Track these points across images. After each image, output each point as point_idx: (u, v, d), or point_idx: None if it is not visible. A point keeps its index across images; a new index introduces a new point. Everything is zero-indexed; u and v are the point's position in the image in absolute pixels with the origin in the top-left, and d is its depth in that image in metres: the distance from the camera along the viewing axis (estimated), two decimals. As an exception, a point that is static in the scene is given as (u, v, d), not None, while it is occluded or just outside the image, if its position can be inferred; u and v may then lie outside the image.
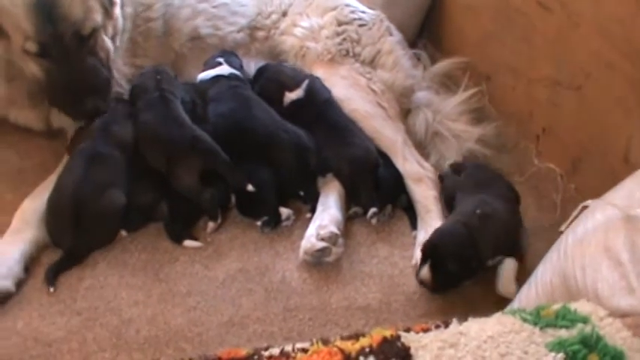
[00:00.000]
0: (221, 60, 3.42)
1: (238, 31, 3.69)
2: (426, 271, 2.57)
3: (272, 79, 3.39)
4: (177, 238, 2.84)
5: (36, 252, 2.75)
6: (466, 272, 2.58)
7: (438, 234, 2.65)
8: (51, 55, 3.00)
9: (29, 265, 2.71)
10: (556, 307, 1.67)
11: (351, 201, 3.01)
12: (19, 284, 2.63)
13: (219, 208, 2.94)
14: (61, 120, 3.30)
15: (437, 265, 2.56)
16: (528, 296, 2.15)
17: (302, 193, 3.02)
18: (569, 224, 2.18)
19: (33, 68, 3.07)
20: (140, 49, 3.51)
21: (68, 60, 3.02)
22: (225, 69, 3.35)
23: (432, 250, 2.59)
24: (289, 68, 3.47)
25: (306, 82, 3.31)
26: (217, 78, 3.31)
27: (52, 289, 2.61)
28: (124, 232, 2.85)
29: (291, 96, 3.29)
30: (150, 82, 3.18)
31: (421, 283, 2.61)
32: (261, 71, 3.49)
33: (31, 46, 2.97)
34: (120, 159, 2.96)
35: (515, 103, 3.44)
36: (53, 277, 2.65)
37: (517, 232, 2.76)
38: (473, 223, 2.60)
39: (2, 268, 2.60)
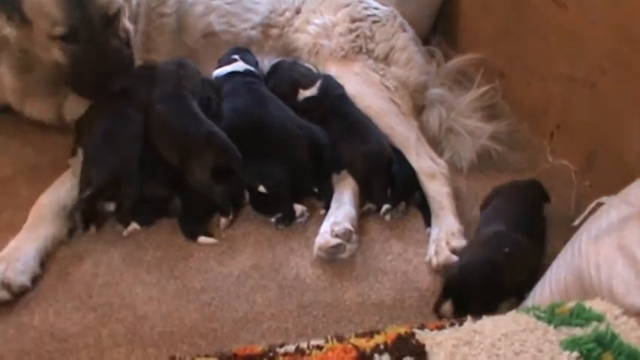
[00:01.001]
0: (236, 57, 3.43)
1: (252, 28, 3.70)
2: (448, 307, 2.46)
3: (286, 77, 3.40)
4: (191, 234, 2.84)
5: (52, 248, 2.77)
6: (486, 308, 2.48)
7: (464, 270, 2.54)
8: (78, 38, 3.04)
9: (45, 260, 2.72)
10: (570, 305, 1.67)
11: (365, 197, 3.02)
12: (35, 280, 2.64)
13: (232, 204, 2.95)
14: (73, 112, 3.33)
15: (460, 303, 2.44)
16: (542, 294, 2.14)
17: (316, 190, 3.02)
18: (583, 219, 2.18)
19: (56, 54, 3.10)
20: (154, 44, 3.53)
21: (96, 42, 3.08)
22: (240, 65, 3.37)
23: (455, 288, 2.49)
24: (303, 66, 3.48)
25: (320, 81, 3.32)
26: (232, 74, 3.33)
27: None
28: (137, 226, 2.86)
29: (305, 93, 3.30)
30: (171, 74, 3.22)
31: (440, 316, 2.48)
32: (275, 68, 3.51)
33: (60, 31, 3.01)
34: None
35: (529, 99, 3.43)
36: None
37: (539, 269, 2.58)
38: (500, 261, 2.49)
39: (18, 263, 2.62)
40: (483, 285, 2.45)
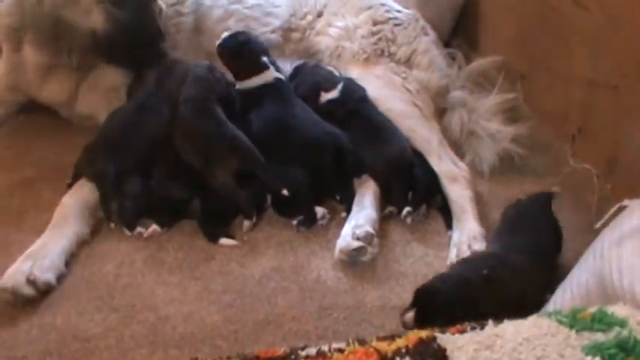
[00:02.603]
0: (266, 61, 3.38)
1: (272, 32, 3.71)
2: (410, 317, 2.34)
3: (308, 79, 3.41)
4: (212, 236, 2.86)
5: (76, 247, 2.80)
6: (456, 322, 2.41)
7: (435, 283, 2.45)
8: (127, 2, 3.15)
9: (69, 260, 2.75)
10: (592, 310, 1.66)
11: (386, 200, 3.02)
12: (60, 278, 2.67)
13: (255, 207, 2.96)
14: (86, 99, 3.43)
15: (422, 315, 2.34)
16: (564, 298, 2.13)
17: (338, 198, 3.04)
18: (605, 223, 2.17)
19: (96, 20, 3.18)
20: (172, 41, 3.55)
21: (140, 8, 3.20)
22: (271, 75, 3.32)
23: (421, 298, 2.39)
24: (325, 69, 3.49)
25: (341, 84, 3.32)
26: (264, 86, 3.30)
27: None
28: (157, 228, 2.88)
29: (327, 96, 3.31)
30: (200, 78, 3.24)
31: (404, 325, 2.36)
32: (297, 71, 3.51)
33: None
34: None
35: (550, 102, 3.42)
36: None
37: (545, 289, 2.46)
38: (477, 283, 2.39)
39: (45, 261, 2.65)
40: (450, 301, 2.34)
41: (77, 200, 2.90)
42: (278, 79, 3.30)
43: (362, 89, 3.34)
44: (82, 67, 3.37)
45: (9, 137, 3.57)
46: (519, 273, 2.46)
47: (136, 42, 3.24)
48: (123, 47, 3.24)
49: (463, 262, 2.63)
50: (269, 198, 2.98)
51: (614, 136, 2.96)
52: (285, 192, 2.90)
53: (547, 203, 2.79)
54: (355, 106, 3.27)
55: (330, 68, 3.52)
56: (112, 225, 2.91)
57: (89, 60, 3.35)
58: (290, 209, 2.94)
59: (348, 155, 3.06)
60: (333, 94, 3.31)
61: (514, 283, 2.44)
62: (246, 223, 2.92)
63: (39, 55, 3.36)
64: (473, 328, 1.65)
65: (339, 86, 3.32)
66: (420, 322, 2.33)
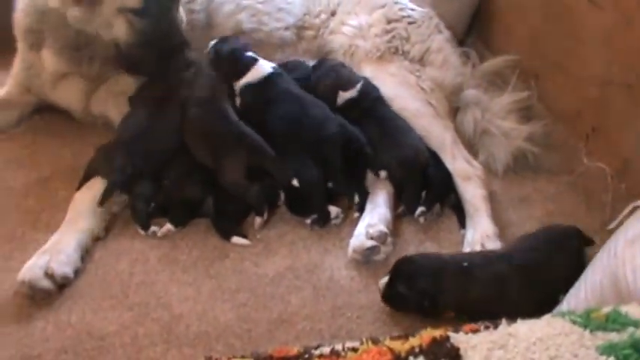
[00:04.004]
0: (252, 55, 3.40)
1: (285, 29, 3.72)
2: (382, 283, 2.52)
3: (328, 76, 3.40)
4: (225, 234, 2.87)
5: (90, 242, 2.83)
6: (417, 305, 2.46)
7: (416, 255, 2.60)
8: (149, 12, 3.16)
9: (84, 256, 2.77)
10: (606, 309, 1.66)
11: (400, 199, 3.02)
12: (77, 273, 2.69)
13: (267, 204, 2.97)
14: (100, 104, 3.43)
15: (392, 281, 2.50)
16: (578, 297, 2.13)
17: (357, 200, 3.02)
18: (619, 223, 2.16)
19: (120, 31, 3.20)
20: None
21: (164, 16, 3.23)
22: (265, 65, 3.34)
23: (396, 266, 2.53)
24: (347, 69, 3.47)
25: (360, 84, 3.32)
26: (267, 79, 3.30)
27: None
28: (171, 227, 2.89)
29: (345, 95, 3.31)
30: (209, 78, 3.29)
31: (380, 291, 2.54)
32: (320, 64, 3.53)
33: (133, 3, 3.13)
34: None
35: (564, 101, 3.41)
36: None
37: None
38: (451, 270, 2.47)
39: (62, 255, 2.67)
40: (418, 274, 2.46)
41: (90, 195, 2.91)
42: (274, 72, 3.33)
43: (377, 89, 3.34)
44: (101, 77, 3.39)
45: (24, 137, 3.58)
46: (494, 282, 2.45)
47: (160, 52, 3.26)
48: (148, 57, 3.25)
49: (461, 255, 2.67)
50: (282, 195, 2.99)
51: (628, 135, 2.96)
52: (295, 182, 2.91)
53: (575, 239, 2.63)
54: (371, 105, 3.27)
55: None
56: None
57: (109, 69, 3.37)
58: (304, 208, 2.95)
59: (364, 150, 3.06)
60: (352, 94, 3.31)
61: (482, 288, 2.44)
62: (258, 220, 2.93)
63: (57, 63, 3.37)
64: (486, 328, 1.64)
65: (358, 85, 3.32)
66: (387, 290, 2.48)
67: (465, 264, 2.48)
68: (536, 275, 2.47)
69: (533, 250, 2.57)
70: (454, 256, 2.59)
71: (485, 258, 2.57)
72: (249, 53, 3.37)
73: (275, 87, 3.26)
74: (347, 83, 3.34)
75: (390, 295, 2.51)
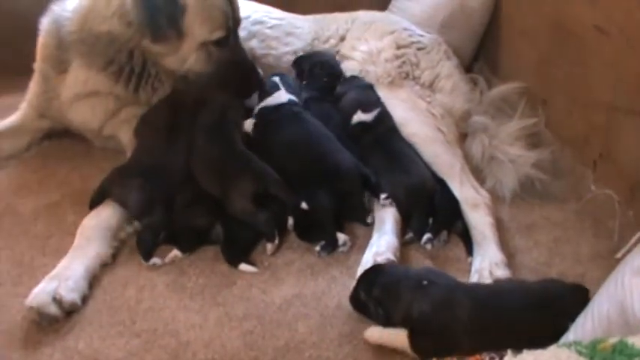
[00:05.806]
0: (277, 82, 3.48)
1: (294, 53, 3.75)
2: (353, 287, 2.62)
3: (355, 91, 3.48)
4: (233, 261, 2.87)
5: (98, 268, 2.84)
6: (374, 312, 2.49)
7: (385, 266, 2.67)
8: (228, 42, 3.31)
9: (92, 282, 2.78)
10: (613, 340, 1.65)
11: (407, 226, 3.02)
12: (84, 300, 2.70)
13: (276, 229, 2.97)
14: (112, 127, 3.48)
15: (356, 285, 2.59)
16: (584, 327, 2.11)
17: (370, 221, 3.05)
18: (627, 252, 2.16)
19: (200, 61, 3.31)
20: None
21: (238, 46, 3.42)
22: (282, 95, 3.40)
23: (364, 272, 2.63)
24: (374, 93, 3.50)
25: (378, 110, 3.36)
26: (278, 106, 3.37)
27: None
28: (179, 253, 2.90)
29: (362, 116, 3.35)
30: (217, 105, 3.31)
31: None
32: (349, 80, 3.61)
33: (218, 35, 3.27)
34: None
35: (571, 127, 3.41)
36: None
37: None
38: (409, 284, 2.45)
39: (69, 282, 2.68)
40: (377, 282, 2.51)
41: (99, 222, 2.94)
42: (291, 100, 3.40)
43: (392, 119, 3.36)
44: (146, 102, 3.42)
45: (34, 161, 3.62)
46: (445, 310, 2.39)
47: (243, 74, 3.43)
48: (227, 81, 3.36)
49: (436, 273, 2.61)
50: (291, 221, 2.99)
51: (636, 162, 2.95)
52: (304, 205, 2.93)
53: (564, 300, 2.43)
54: (383, 134, 3.30)
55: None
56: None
57: (157, 95, 3.42)
58: (312, 234, 2.96)
59: (371, 181, 3.08)
60: (367, 117, 3.35)
61: (430, 312, 2.38)
62: (269, 246, 2.93)
63: (86, 82, 3.37)
64: (492, 359, 1.64)
65: (376, 112, 3.35)
66: (354, 292, 2.58)
67: (424, 282, 2.44)
68: (490, 321, 2.35)
69: (504, 295, 2.46)
70: (420, 273, 2.54)
71: (458, 286, 2.50)
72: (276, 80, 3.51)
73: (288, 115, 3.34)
74: (369, 105, 3.38)
75: (353, 299, 2.59)
